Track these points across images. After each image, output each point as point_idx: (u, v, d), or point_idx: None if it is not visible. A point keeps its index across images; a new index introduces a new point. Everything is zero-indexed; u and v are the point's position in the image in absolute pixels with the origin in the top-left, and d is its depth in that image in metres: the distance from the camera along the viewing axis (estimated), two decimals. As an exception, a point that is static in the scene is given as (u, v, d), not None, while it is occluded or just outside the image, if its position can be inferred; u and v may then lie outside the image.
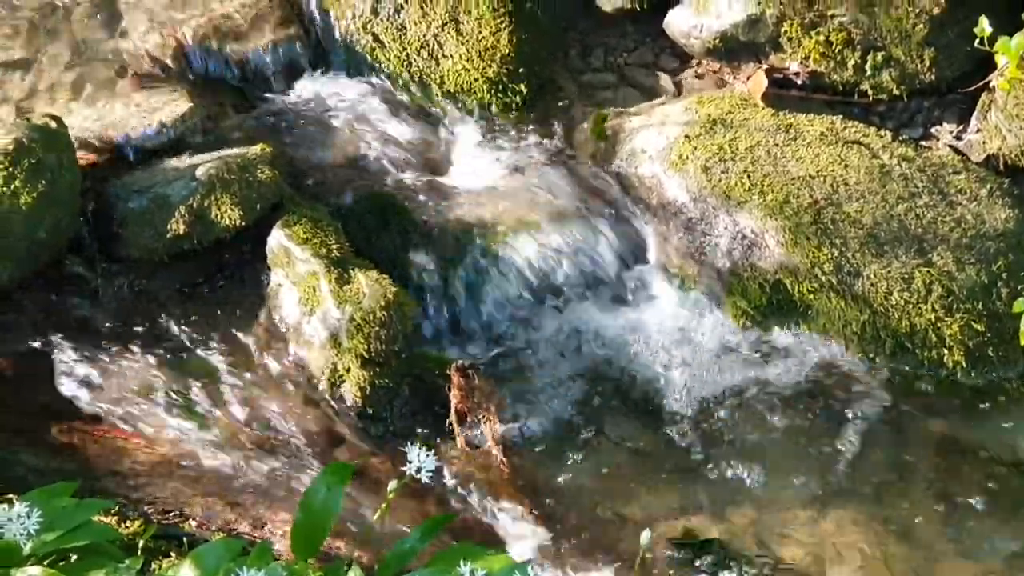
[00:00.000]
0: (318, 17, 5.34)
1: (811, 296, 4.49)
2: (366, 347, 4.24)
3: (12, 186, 4.29)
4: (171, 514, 3.69)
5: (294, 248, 4.42)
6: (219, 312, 4.54)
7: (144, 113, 4.88)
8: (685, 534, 4.04)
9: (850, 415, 4.40)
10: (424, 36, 5.19)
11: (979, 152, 4.85)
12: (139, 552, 3.24)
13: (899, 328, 4.44)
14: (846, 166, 4.71)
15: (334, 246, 4.44)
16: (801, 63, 4.96)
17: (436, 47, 5.18)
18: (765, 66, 5.03)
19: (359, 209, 4.71)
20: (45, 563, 2.49)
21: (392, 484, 2.59)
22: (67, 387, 4.22)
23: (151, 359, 4.35)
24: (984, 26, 3.88)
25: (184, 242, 4.53)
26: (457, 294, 4.62)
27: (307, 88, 5.27)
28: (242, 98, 5.21)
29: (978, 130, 4.85)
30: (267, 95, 5.24)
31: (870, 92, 4.95)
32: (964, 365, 4.44)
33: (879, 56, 4.88)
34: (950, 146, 4.92)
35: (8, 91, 5.06)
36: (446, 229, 4.68)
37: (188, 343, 4.43)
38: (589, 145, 5.03)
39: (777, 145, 4.79)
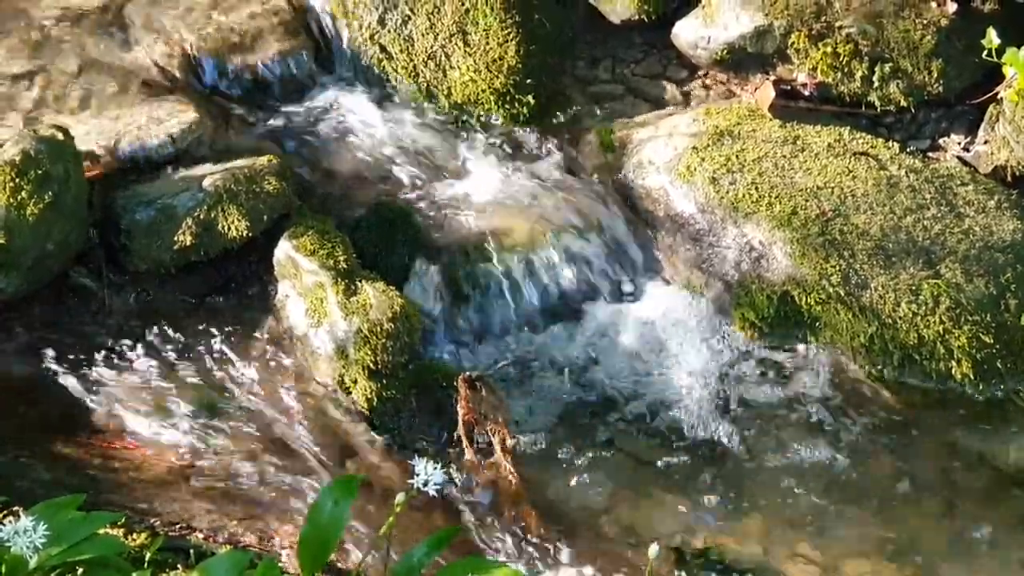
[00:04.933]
0: (325, 28, 5.35)
1: (819, 308, 4.48)
2: (373, 359, 4.23)
3: (19, 197, 4.29)
4: (178, 526, 3.68)
5: (301, 259, 4.41)
6: (226, 323, 4.53)
7: (151, 124, 4.87)
8: (692, 548, 4.03)
9: (857, 428, 4.39)
10: (431, 47, 5.19)
11: (987, 164, 4.85)
12: (145, 565, 3.23)
13: (907, 340, 4.43)
14: (854, 177, 4.71)
15: (341, 257, 4.43)
16: (809, 74, 4.96)
17: (443, 58, 5.18)
18: (773, 77, 5.03)
19: (366, 220, 4.71)
20: (52, 576, 2.49)
21: (399, 497, 2.58)
22: (73, 398, 4.22)
23: (157, 370, 4.35)
24: (992, 38, 3.88)
25: (191, 253, 4.52)
26: (464, 306, 4.61)
27: (314, 99, 5.27)
28: (250, 109, 5.20)
29: (986, 142, 4.85)
30: (274, 106, 5.24)
31: (878, 103, 4.95)
32: (972, 377, 4.43)
33: (887, 67, 4.87)
34: (958, 157, 4.92)
35: (15, 102, 5.05)
36: (453, 241, 4.68)
37: (194, 354, 4.42)
38: (596, 156, 5.03)
39: (785, 156, 4.79)
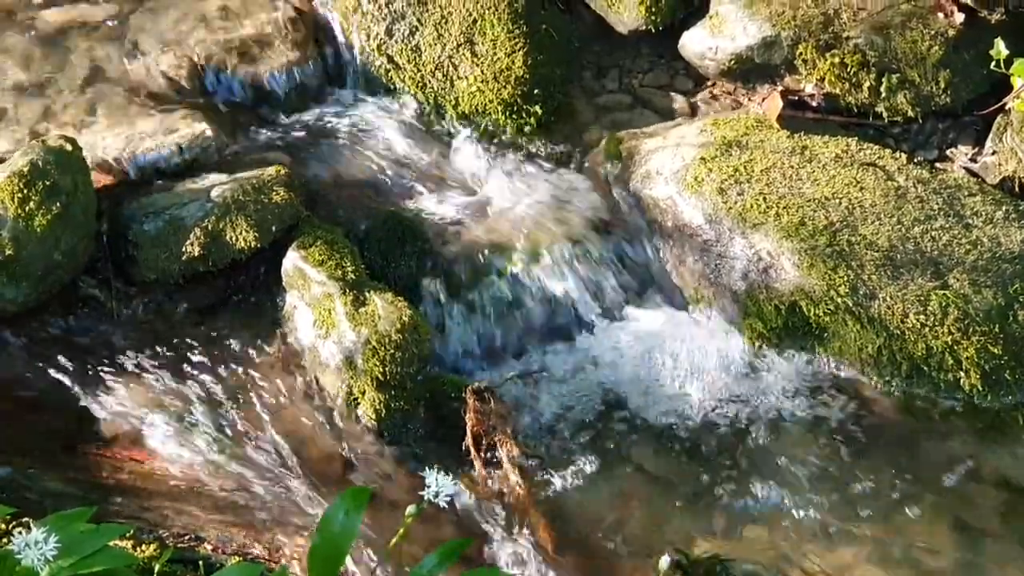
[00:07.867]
0: (333, 39, 5.36)
1: (827, 318, 4.48)
2: (381, 370, 4.23)
3: (27, 208, 4.30)
4: (186, 538, 3.68)
5: (309, 270, 4.42)
6: (234, 334, 4.53)
7: (159, 135, 4.88)
8: (701, 558, 4.02)
9: (865, 439, 4.38)
10: (439, 58, 5.19)
11: (994, 174, 4.85)
12: (155, 576, 3.23)
13: (915, 351, 4.43)
14: (861, 188, 4.71)
15: (349, 268, 4.43)
16: (816, 85, 4.96)
17: (451, 68, 5.19)
18: (780, 88, 5.03)
19: (374, 231, 4.71)
20: (62, 589, 2.48)
21: (410, 508, 2.58)
22: (82, 409, 4.22)
23: (166, 381, 4.35)
24: (1000, 48, 3.90)
25: (199, 264, 4.52)
26: (471, 317, 4.61)
27: (322, 110, 5.27)
28: (257, 119, 5.20)
29: (993, 152, 4.85)
30: (282, 116, 5.24)
31: (885, 114, 4.95)
32: (980, 388, 4.42)
33: (894, 78, 4.87)
34: (965, 168, 4.92)
35: (23, 113, 5.06)
36: (461, 252, 4.68)
37: (203, 365, 4.42)
38: (604, 166, 5.03)
39: (792, 167, 4.78)
